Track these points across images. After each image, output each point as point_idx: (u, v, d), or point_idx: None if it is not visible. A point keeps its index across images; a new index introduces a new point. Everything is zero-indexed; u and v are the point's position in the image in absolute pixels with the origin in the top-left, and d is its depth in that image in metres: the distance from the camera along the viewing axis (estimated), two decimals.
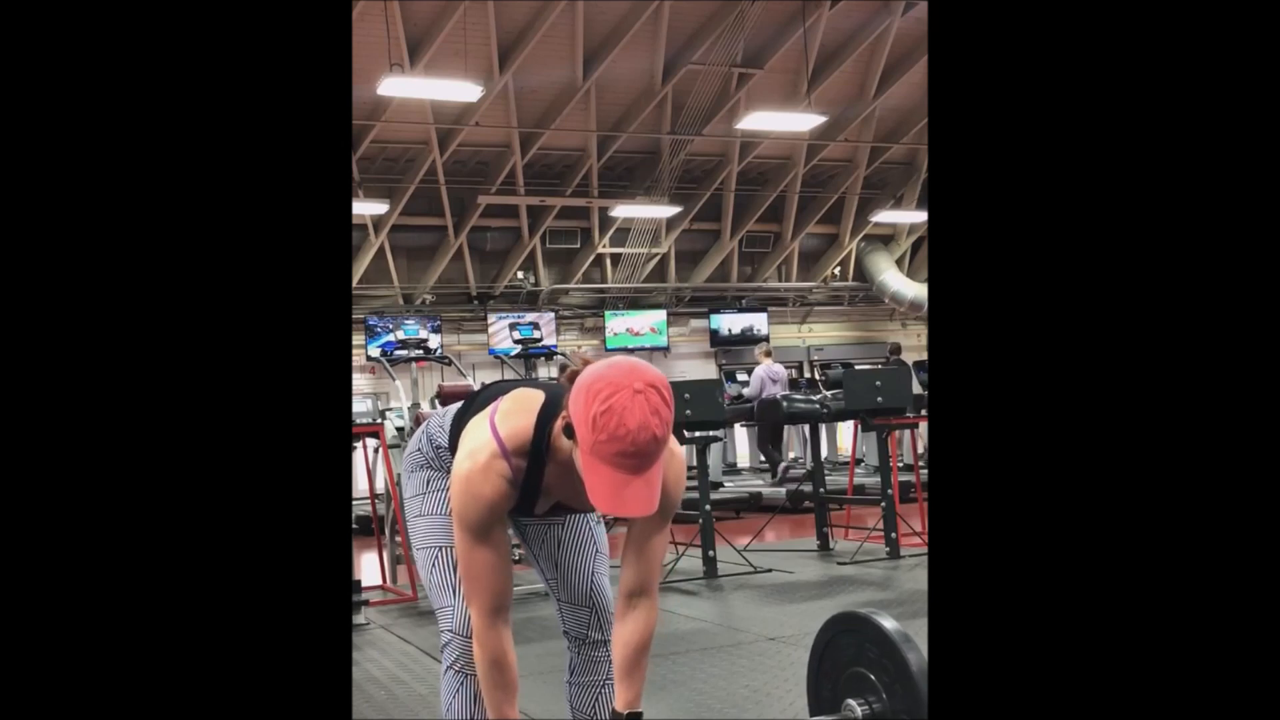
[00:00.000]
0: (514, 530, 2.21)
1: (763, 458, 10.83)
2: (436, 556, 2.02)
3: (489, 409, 1.87)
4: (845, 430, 11.74)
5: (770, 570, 5.80)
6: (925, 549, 6.06)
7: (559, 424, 1.76)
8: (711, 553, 5.81)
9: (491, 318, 13.00)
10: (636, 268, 13.53)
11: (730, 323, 14.18)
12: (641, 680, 1.89)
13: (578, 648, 2.09)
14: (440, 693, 2.03)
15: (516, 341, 12.91)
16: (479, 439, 1.83)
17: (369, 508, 6.42)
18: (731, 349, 14.22)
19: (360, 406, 5.80)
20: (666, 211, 12.89)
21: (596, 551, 2.12)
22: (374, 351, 12.02)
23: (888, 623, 1.97)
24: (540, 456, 1.81)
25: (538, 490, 1.86)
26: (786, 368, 11.26)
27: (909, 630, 1.98)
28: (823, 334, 15.37)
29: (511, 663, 1.85)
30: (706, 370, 13.76)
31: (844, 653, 2.05)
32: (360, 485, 6.91)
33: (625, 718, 1.86)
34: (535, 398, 1.85)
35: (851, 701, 1.98)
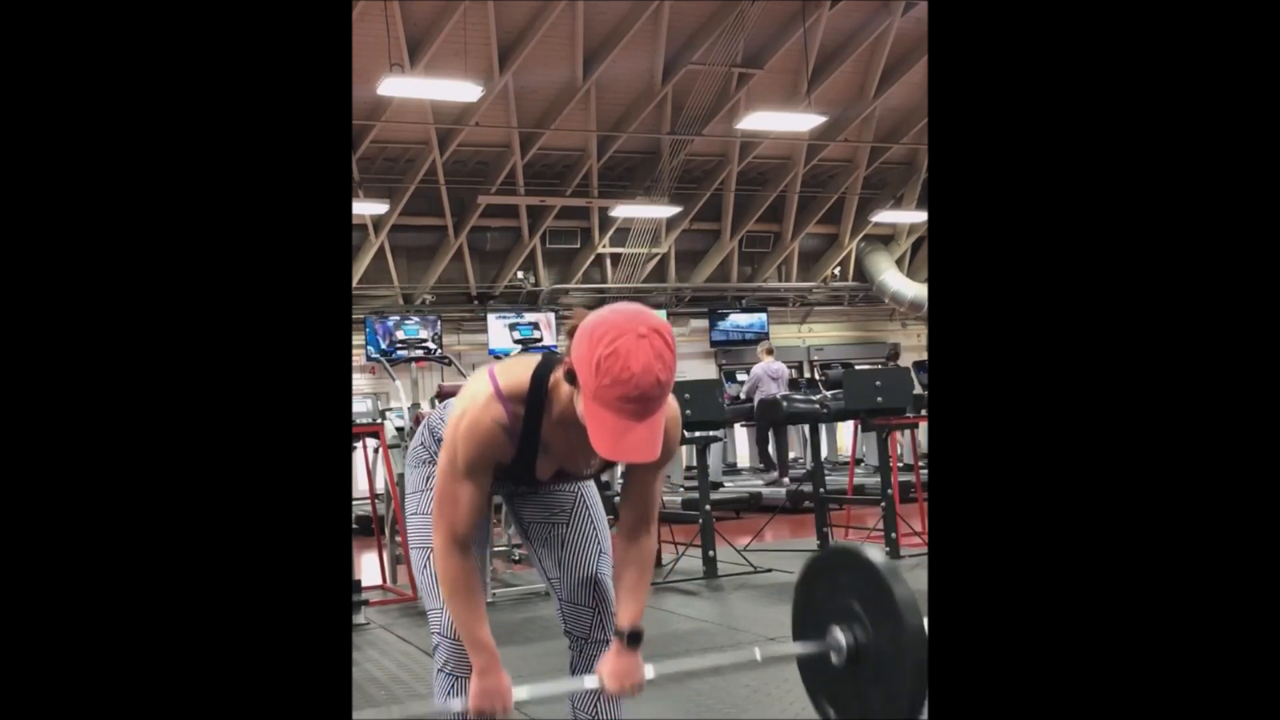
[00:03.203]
0: (516, 529, 2.21)
1: (760, 461, 10.81)
2: (430, 557, 2.01)
3: (488, 366, 1.89)
4: (845, 430, 11.74)
5: (770, 570, 5.80)
6: (925, 549, 6.05)
7: (560, 370, 1.76)
8: (711, 553, 5.81)
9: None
10: (636, 268, 13.52)
11: (729, 323, 14.20)
12: (643, 600, 1.95)
13: (580, 647, 2.09)
14: (433, 693, 2.03)
15: (516, 341, 12.91)
16: (477, 385, 1.84)
17: (369, 508, 6.42)
18: (731, 349, 14.23)
19: (360, 406, 5.80)
20: (666, 211, 12.89)
21: (600, 552, 2.12)
22: (376, 350, 12.02)
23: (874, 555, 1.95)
24: (538, 405, 1.81)
25: (536, 445, 1.86)
26: (787, 367, 11.25)
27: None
28: (823, 334, 15.37)
29: (475, 584, 1.87)
30: (706, 370, 13.76)
31: (829, 585, 2.01)
32: (360, 485, 6.91)
33: (629, 634, 1.89)
34: (534, 358, 1.87)
35: (836, 628, 1.95)
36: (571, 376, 1.69)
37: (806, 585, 2.06)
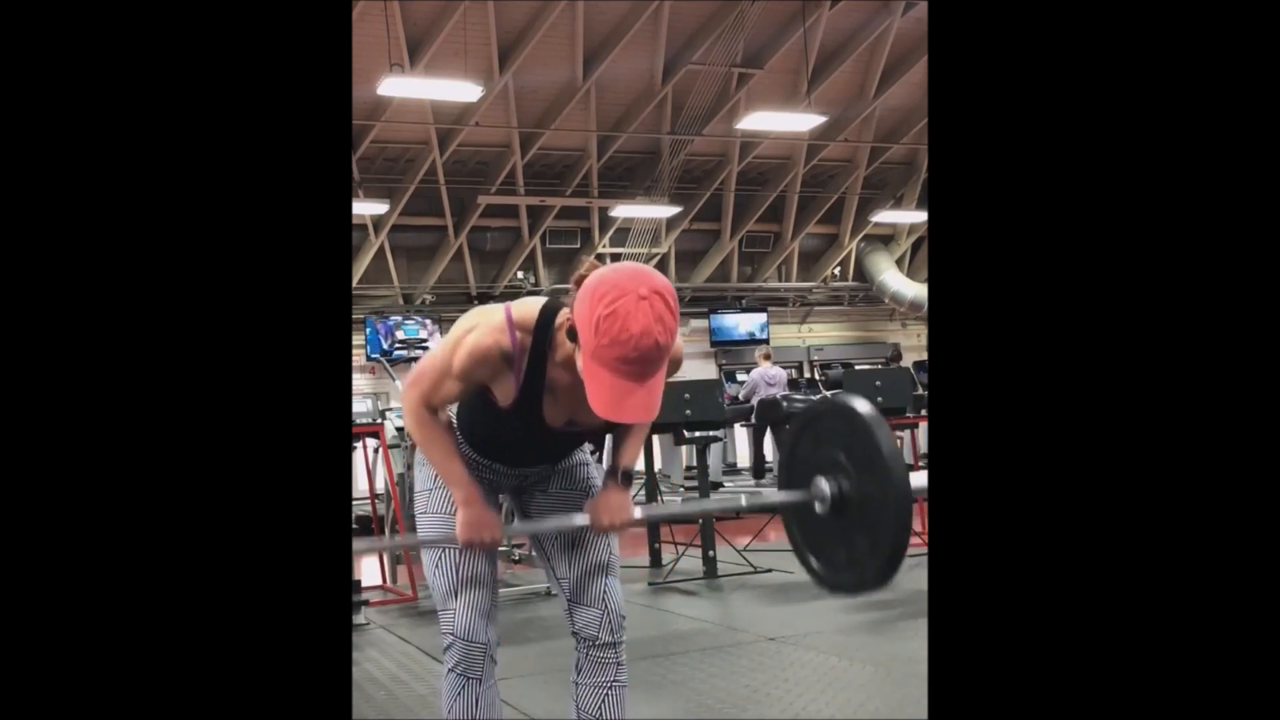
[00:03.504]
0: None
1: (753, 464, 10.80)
2: (440, 557, 2.01)
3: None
4: None
5: (770, 570, 5.80)
6: (925, 549, 6.05)
7: (563, 318, 1.77)
8: (711, 553, 5.81)
9: None
10: None
11: (732, 324, 14.21)
12: (639, 447, 2.04)
13: (586, 649, 2.08)
14: (441, 694, 2.02)
15: None
16: (492, 311, 1.86)
17: (369, 508, 6.42)
18: (731, 349, 14.23)
19: (360, 406, 5.80)
20: (666, 211, 12.89)
21: (610, 552, 2.11)
22: (376, 350, 12.03)
23: (860, 405, 1.93)
24: (543, 338, 1.82)
25: (541, 383, 1.86)
26: (786, 368, 11.24)
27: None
28: (823, 334, 15.37)
29: (447, 429, 1.95)
30: (706, 370, 13.76)
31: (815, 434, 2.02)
32: (360, 485, 6.92)
33: (622, 472, 1.97)
34: (545, 298, 1.90)
35: (821, 478, 1.93)
36: (573, 334, 1.69)
37: (794, 440, 2.05)
